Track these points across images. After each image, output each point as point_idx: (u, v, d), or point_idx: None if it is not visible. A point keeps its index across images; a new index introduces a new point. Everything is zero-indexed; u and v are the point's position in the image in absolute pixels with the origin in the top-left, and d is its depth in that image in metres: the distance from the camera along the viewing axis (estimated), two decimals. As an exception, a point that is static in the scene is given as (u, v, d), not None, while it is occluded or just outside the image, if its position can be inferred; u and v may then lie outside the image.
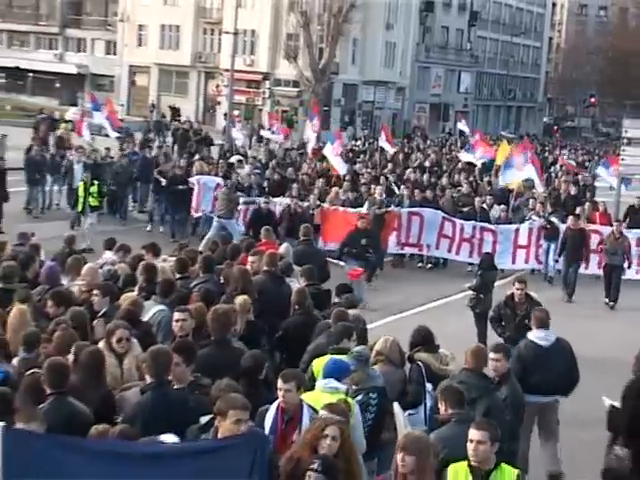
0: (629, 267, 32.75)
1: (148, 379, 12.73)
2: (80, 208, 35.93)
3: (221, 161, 47.74)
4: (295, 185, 40.14)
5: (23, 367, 13.67)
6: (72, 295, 17.59)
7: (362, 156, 62.36)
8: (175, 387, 12.91)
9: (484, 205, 38.53)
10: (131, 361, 14.09)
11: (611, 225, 35.16)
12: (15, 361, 13.92)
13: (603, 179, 54.37)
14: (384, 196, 37.74)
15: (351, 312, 17.26)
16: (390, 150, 59.44)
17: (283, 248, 25.34)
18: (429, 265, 38.18)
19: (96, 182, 36.48)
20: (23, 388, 12.64)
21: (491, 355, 12.28)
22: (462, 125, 73.87)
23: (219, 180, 38.35)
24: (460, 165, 57.76)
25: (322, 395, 13.09)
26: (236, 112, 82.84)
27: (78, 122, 43.88)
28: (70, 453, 9.34)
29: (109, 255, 21.82)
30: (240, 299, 17.07)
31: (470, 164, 56.12)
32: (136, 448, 10.15)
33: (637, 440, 13.71)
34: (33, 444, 9.33)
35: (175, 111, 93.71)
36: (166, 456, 9.75)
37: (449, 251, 36.62)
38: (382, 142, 59.11)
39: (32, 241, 23.95)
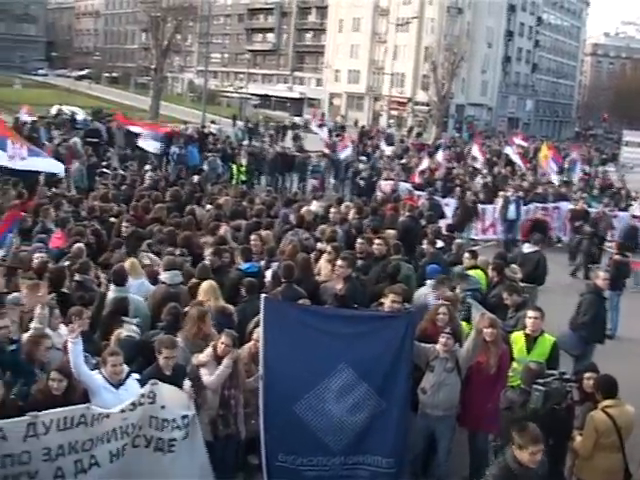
0: None
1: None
2: (235, 181, 32.80)
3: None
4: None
5: (265, 267, 13.89)
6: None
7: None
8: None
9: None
10: (325, 265, 13.98)
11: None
12: (262, 263, 14.07)
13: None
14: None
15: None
16: (480, 158, 41.10)
17: (420, 202, 25.05)
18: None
19: (244, 164, 33.67)
20: (269, 279, 12.93)
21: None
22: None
23: None
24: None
25: (429, 290, 12.94)
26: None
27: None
28: (306, 315, 9.71)
29: (315, 204, 21.62)
30: (389, 232, 16.80)
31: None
32: (340, 312, 10.52)
33: None
34: (282, 309, 9.67)
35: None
36: (354, 318, 10.09)
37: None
38: (475, 151, 43.03)
39: (274, 193, 24.20)
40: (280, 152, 36.58)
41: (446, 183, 30.76)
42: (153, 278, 12.60)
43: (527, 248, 18.04)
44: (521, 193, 28.54)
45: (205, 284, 11.52)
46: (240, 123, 61.33)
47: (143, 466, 8.43)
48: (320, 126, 45.33)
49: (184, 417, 8.57)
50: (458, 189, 27.80)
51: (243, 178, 33.34)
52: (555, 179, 34.87)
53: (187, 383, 8.95)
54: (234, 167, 33.66)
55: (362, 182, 31.43)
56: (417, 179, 31.42)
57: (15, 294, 10.93)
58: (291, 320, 9.32)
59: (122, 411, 8.16)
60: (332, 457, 9.27)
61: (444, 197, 27.38)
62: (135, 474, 8.41)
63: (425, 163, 34.09)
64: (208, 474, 8.92)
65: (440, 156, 36.71)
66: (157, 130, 31.80)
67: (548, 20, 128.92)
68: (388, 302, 11.01)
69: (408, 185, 29.29)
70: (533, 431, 7.41)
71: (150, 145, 29.36)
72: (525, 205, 27.70)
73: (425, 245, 16.13)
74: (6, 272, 12.07)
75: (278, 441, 9.16)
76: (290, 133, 54.62)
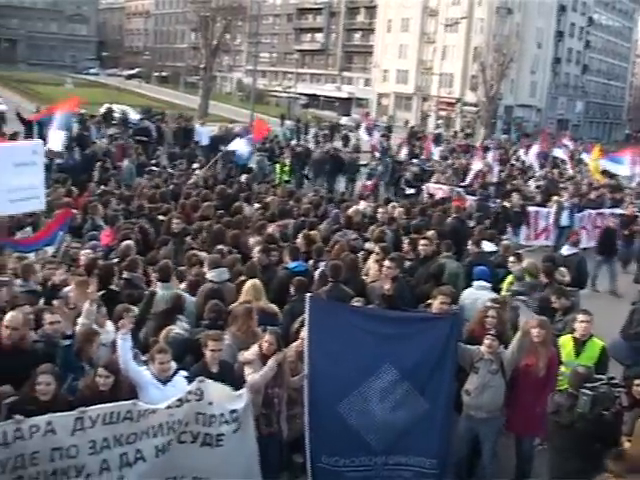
0: None
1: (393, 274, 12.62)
2: (277, 181, 31.27)
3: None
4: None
5: (312, 266, 13.90)
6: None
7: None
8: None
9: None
10: (373, 266, 13.84)
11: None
12: (310, 262, 14.06)
13: None
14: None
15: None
16: (536, 167, 38.08)
17: (468, 204, 24.76)
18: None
19: (287, 164, 33.43)
20: (317, 278, 12.86)
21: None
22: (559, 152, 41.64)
23: None
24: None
25: (476, 292, 12.86)
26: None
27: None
28: (352, 315, 9.73)
29: (363, 204, 21.61)
30: (429, 233, 16.40)
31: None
32: (385, 313, 10.58)
33: None
34: (327, 308, 9.70)
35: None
36: (399, 318, 10.10)
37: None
38: (529, 156, 40.45)
39: (321, 193, 24.17)
40: (331, 153, 35.86)
41: (499, 186, 30.18)
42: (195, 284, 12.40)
43: (567, 250, 17.73)
44: (576, 199, 27.34)
45: (247, 284, 11.50)
46: (288, 122, 61.44)
47: (189, 460, 8.48)
48: (370, 128, 44.52)
49: (233, 412, 8.59)
50: (515, 194, 26.49)
51: (286, 178, 32.92)
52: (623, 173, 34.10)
53: (254, 376, 9.11)
54: (277, 167, 33.46)
55: (408, 185, 31.09)
56: (467, 181, 30.70)
57: (66, 289, 11.11)
58: (336, 319, 9.32)
59: (168, 407, 8.22)
60: (374, 457, 9.27)
61: (495, 201, 26.37)
62: (181, 468, 8.48)
63: (478, 165, 33.22)
64: (256, 470, 8.93)
65: (490, 157, 35.88)
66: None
67: (599, 21, 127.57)
68: (437, 303, 10.98)
69: (459, 189, 28.54)
70: (630, 459, 7.30)
71: (242, 148, 28.82)
72: (579, 212, 26.62)
73: (469, 246, 16.01)
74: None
75: (321, 442, 9.18)
76: (339, 134, 54.27)
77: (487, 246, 16.33)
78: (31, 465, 7.51)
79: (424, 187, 29.73)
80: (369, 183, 32.03)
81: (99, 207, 17.32)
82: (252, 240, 14.93)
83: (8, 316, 9.21)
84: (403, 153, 37.79)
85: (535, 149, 40.96)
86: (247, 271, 12.56)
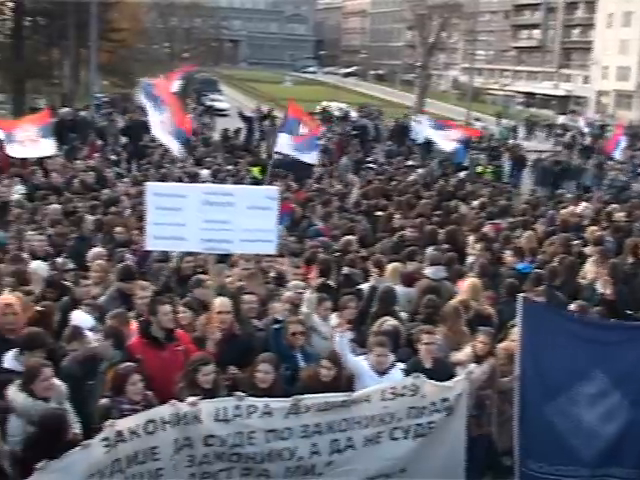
0: None
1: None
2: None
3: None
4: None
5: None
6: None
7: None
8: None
9: None
10: (591, 269, 13.49)
11: None
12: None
13: None
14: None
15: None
16: None
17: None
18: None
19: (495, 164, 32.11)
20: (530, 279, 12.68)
21: None
22: None
23: None
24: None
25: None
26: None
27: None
28: (565, 320, 9.49)
29: (583, 205, 20.90)
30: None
31: None
32: (600, 322, 10.30)
33: None
34: (540, 311, 9.41)
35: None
36: (616, 326, 9.83)
37: None
38: None
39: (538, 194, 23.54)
40: (556, 159, 33.51)
41: None
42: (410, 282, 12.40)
43: None
44: None
45: (467, 283, 11.54)
46: (504, 121, 60.63)
47: (402, 455, 8.54)
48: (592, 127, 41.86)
49: (444, 400, 8.57)
50: None
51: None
52: None
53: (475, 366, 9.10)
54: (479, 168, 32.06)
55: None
56: None
57: (295, 282, 11.45)
58: (549, 322, 9.10)
59: (383, 399, 8.33)
60: (580, 467, 8.98)
61: None
62: (392, 465, 8.54)
63: None
64: (461, 465, 8.88)
65: None
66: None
67: None
68: None
69: None
70: None
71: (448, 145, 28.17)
72: None
73: None
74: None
75: (529, 446, 9.02)
76: (568, 135, 52.30)
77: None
78: (248, 444, 7.86)
79: None
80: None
81: (317, 206, 17.85)
82: (471, 239, 14.95)
83: (217, 301, 9.73)
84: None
85: None
86: (479, 270, 12.59)
